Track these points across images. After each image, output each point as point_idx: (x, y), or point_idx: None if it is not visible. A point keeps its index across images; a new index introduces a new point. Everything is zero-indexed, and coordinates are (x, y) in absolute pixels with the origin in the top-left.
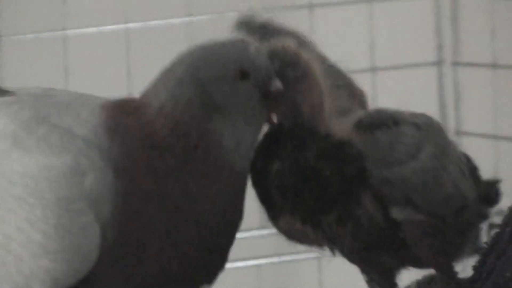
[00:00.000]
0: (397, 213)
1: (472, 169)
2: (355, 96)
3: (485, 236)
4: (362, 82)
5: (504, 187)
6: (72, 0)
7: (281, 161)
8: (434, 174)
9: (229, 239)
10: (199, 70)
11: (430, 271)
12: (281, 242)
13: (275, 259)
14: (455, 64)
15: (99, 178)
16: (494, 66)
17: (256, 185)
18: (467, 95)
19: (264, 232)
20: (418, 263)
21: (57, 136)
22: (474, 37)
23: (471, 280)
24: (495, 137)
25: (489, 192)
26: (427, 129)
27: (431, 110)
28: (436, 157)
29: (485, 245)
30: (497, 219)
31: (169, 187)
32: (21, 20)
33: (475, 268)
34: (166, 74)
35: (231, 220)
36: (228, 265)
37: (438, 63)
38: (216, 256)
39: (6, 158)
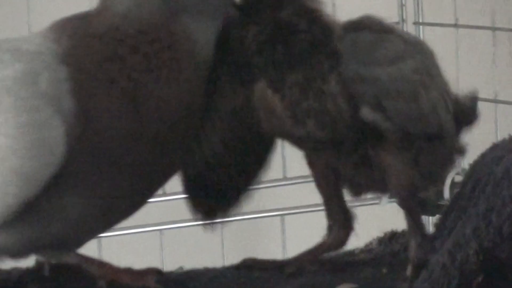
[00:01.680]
0: (366, 113)
1: (460, 110)
2: None
3: (447, 194)
4: None
5: (467, 148)
6: None
7: (258, 24)
8: (411, 87)
9: (192, 123)
10: None
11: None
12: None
13: (237, 217)
14: (417, 23)
15: (54, 76)
16: (455, 25)
17: (234, 51)
18: None
19: None
20: (381, 186)
21: (7, 54)
22: None
23: (433, 237)
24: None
25: (468, 109)
26: (414, 46)
27: None
28: (418, 73)
29: (447, 203)
30: (458, 178)
31: (130, 82)
32: None
33: (436, 225)
34: None
35: (193, 105)
36: (193, 223)
37: (401, 22)
38: (178, 140)
39: None
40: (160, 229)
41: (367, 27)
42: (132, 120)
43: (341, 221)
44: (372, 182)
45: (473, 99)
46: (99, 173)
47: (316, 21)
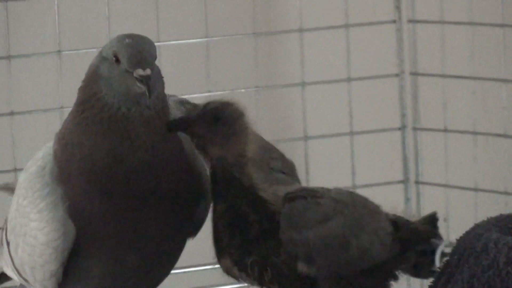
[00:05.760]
0: (301, 267)
1: (422, 229)
2: (288, 166)
3: (438, 262)
4: (340, 142)
5: (452, 223)
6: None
7: (222, 203)
8: (340, 240)
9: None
10: None
11: None
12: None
13: None
14: (415, 129)
15: (51, 170)
16: (445, 130)
17: (212, 221)
18: (424, 153)
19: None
20: None
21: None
22: (430, 107)
23: None
24: (446, 186)
25: (432, 221)
26: (345, 204)
27: (395, 165)
28: (347, 226)
29: (438, 270)
30: (447, 249)
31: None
32: None
33: (430, 287)
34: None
35: (152, 162)
36: None
37: (402, 128)
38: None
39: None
40: None
41: (302, 197)
42: (101, 186)
43: None
44: None
45: (434, 217)
46: (101, 238)
47: (266, 211)
